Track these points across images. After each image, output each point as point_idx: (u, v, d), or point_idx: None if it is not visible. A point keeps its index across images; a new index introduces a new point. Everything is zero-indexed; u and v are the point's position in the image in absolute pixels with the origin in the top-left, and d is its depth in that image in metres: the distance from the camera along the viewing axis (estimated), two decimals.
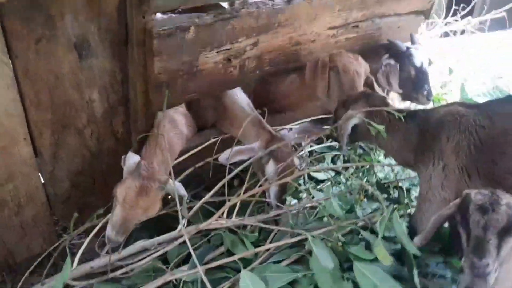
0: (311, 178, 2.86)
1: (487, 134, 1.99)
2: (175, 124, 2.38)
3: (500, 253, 1.49)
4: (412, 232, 2.17)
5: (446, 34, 5.49)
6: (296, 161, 2.35)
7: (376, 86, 2.53)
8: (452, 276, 2.11)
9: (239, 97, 2.61)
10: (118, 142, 2.39)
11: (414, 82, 2.87)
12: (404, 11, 3.09)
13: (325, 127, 2.53)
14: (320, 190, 2.73)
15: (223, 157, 2.20)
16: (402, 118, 2.19)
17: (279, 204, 2.31)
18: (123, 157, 2.12)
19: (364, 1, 2.71)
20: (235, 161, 2.24)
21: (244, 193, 2.30)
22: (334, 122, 2.41)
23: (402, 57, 2.90)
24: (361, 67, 2.33)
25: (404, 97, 3.07)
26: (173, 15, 2.04)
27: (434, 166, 2.08)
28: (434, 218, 1.82)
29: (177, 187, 2.05)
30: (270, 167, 2.30)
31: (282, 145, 2.32)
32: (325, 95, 2.45)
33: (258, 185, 2.28)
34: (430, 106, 3.13)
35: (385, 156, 2.63)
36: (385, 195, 2.43)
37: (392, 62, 2.91)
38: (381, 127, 2.18)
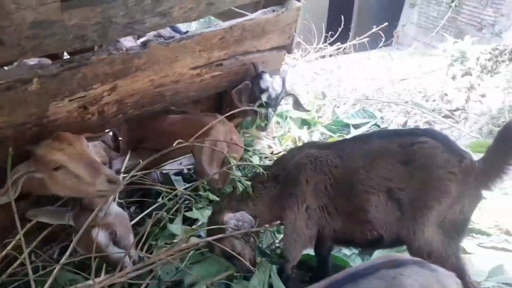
0: None
1: (340, 173, 2.16)
2: None
3: None
4: (281, 271, 2.30)
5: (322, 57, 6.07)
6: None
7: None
8: None
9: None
10: None
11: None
12: (265, 48, 3.27)
13: None
14: None
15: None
16: (264, 174, 2.30)
17: None
18: None
19: (224, 41, 2.82)
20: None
21: None
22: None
23: (254, 78, 3.14)
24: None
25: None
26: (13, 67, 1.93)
27: (299, 208, 2.20)
28: None
29: None
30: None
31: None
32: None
33: None
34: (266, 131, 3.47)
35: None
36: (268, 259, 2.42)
37: (247, 82, 3.11)
38: (248, 183, 2.30)
